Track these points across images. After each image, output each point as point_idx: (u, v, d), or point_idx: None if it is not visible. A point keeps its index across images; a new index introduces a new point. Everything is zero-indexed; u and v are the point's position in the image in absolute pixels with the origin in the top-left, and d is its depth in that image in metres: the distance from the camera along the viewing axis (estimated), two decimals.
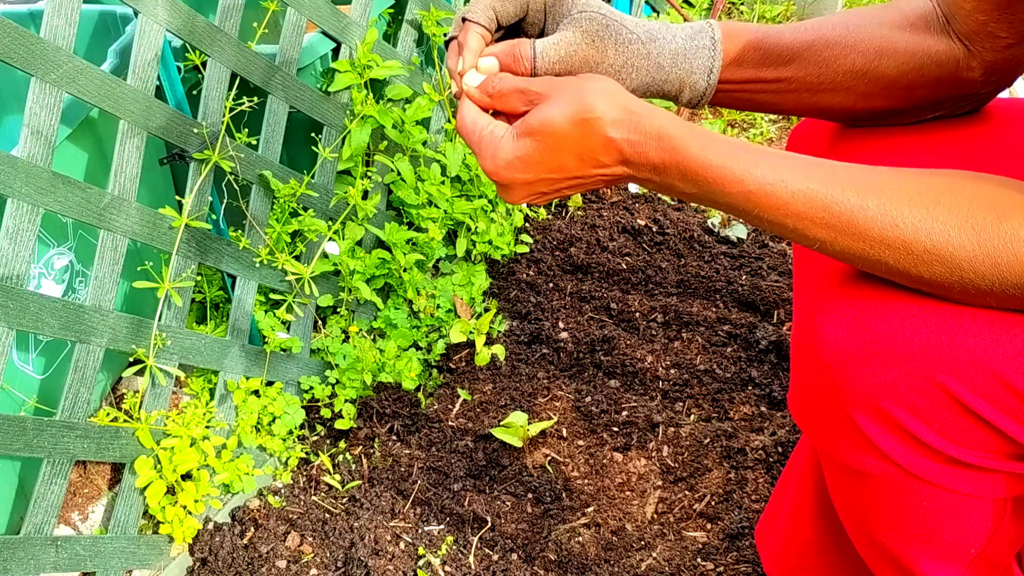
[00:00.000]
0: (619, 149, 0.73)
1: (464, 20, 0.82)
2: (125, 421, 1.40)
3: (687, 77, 0.85)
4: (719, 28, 0.86)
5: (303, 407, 1.67)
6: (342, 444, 1.65)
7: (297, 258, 1.66)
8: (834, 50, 0.86)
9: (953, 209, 0.67)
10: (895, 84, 0.86)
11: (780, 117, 2.66)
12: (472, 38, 0.81)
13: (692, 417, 1.65)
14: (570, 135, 0.72)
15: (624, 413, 1.65)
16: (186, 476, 1.46)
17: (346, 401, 1.69)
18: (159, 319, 1.41)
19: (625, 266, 2.00)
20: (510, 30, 0.88)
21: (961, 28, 0.84)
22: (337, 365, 1.72)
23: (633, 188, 2.28)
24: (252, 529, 1.50)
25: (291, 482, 1.59)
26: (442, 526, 1.49)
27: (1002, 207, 0.67)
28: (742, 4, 3.19)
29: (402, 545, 1.46)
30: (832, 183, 0.70)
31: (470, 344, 1.81)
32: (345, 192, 1.71)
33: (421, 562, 1.43)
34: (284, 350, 1.66)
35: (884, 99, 0.87)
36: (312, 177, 1.65)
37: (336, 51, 1.70)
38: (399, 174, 1.83)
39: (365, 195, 1.77)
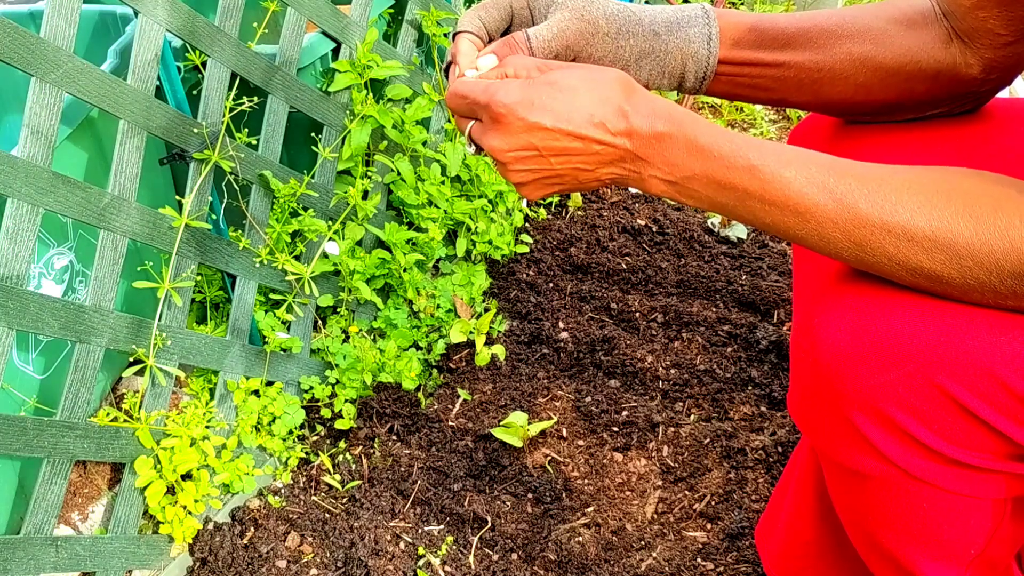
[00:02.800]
0: (628, 119, 0.73)
1: (455, 35, 0.83)
2: (125, 421, 1.40)
3: (686, 47, 0.86)
4: (711, 8, 0.87)
5: (303, 407, 1.67)
6: (342, 444, 1.65)
7: (297, 258, 1.66)
8: (830, 38, 0.86)
9: (951, 198, 0.68)
10: (894, 75, 0.86)
11: (780, 117, 2.66)
12: (464, 44, 0.82)
13: (692, 417, 1.65)
14: (588, 95, 0.73)
15: (624, 413, 1.65)
16: (186, 476, 1.46)
17: (346, 401, 1.69)
18: (159, 319, 1.41)
19: (625, 266, 2.00)
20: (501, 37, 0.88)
21: (960, 25, 0.84)
22: (337, 365, 1.72)
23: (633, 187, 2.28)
24: (252, 529, 1.50)
25: (291, 482, 1.59)
26: (442, 526, 1.50)
27: (997, 199, 0.67)
28: (742, 4, 3.19)
29: (402, 545, 1.46)
30: (832, 168, 0.71)
31: (470, 344, 1.81)
32: (345, 192, 1.71)
33: (421, 562, 1.43)
34: (284, 350, 1.66)
35: (883, 91, 0.87)
36: (312, 177, 1.65)
37: (336, 51, 1.70)
38: (399, 174, 1.83)
39: (365, 195, 1.77)
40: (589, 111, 0.73)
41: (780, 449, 1.53)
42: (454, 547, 1.45)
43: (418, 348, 1.82)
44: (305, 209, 1.65)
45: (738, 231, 2.12)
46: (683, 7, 0.87)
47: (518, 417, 1.59)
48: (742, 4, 3.19)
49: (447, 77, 0.83)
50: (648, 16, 0.86)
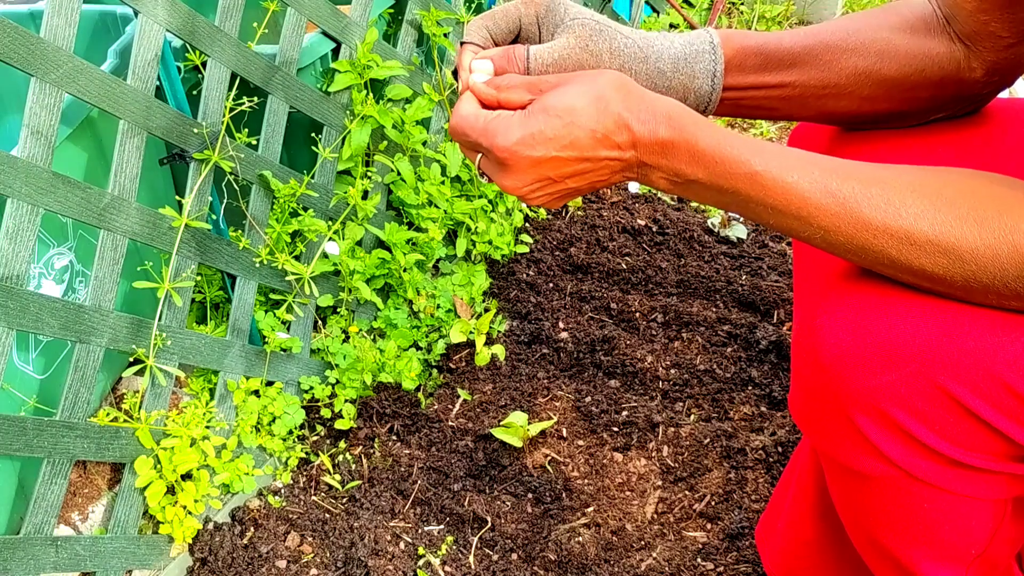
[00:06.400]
0: (631, 128, 0.73)
1: (461, 45, 0.83)
2: (125, 421, 1.40)
3: (690, 83, 0.85)
4: (717, 34, 0.86)
5: (303, 407, 1.67)
6: (342, 444, 1.65)
7: (297, 258, 1.66)
8: (834, 53, 0.86)
9: (954, 202, 0.68)
10: (898, 86, 0.86)
11: None
12: (466, 57, 0.82)
13: (692, 417, 1.65)
14: (585, 111, 0.73)
15: (624, 413, 1.65)
16: (186, 476, 1.46)
17: (346, 401, 1.69)
18: (159, 319, 1.41)
19: (625, 266, 2.00)
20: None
21: (962, 28, 0.84)
22: (337, 365, 1.72)
23: (633, 188, 2.28)
24: (252, 529, 1.50)
25: (291, 482, 1.59)
26: (442, 526, 1.50)
27: (1002, 201, 0.67)
28: (742, 4, 3.19)
29: (402, 545, 1.46)
30: (836, 172, 0.71)
31: (470, 344, 1.81)
32: (345, 192, 1.71)
33: (421, 562, 1.43)
34: (284, 350, 1.66)
35: (888, 101, 0.87)
36: (312, 177, 1.65)
37: (336, 51, 1.70)
38: (399, 174, 1.83)
39: (365, 195, 1.77)
40: (590, 128, 0.73)
41: (780, 449, 1.53)
42: (454, 547, 1.45)
43: (418, 348, 1.82)
44: (305, 209, 1.65)
45: (738, 231, 2.12)
46: (688, 39, 0.86)
47: (518, 417, 1.59)
48: (742, 4, 3.19)
49: (457, 80, 0.83)
50: (655, 53, 0.84)
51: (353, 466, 1.62)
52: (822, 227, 0.71)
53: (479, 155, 0.78)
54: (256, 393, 1.62)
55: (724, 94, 0.87)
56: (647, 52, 0.84)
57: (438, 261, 1.96)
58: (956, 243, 0.67)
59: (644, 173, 0.75)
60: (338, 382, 1.71)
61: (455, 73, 0.83)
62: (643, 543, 1.44)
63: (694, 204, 2.24)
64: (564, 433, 1.63)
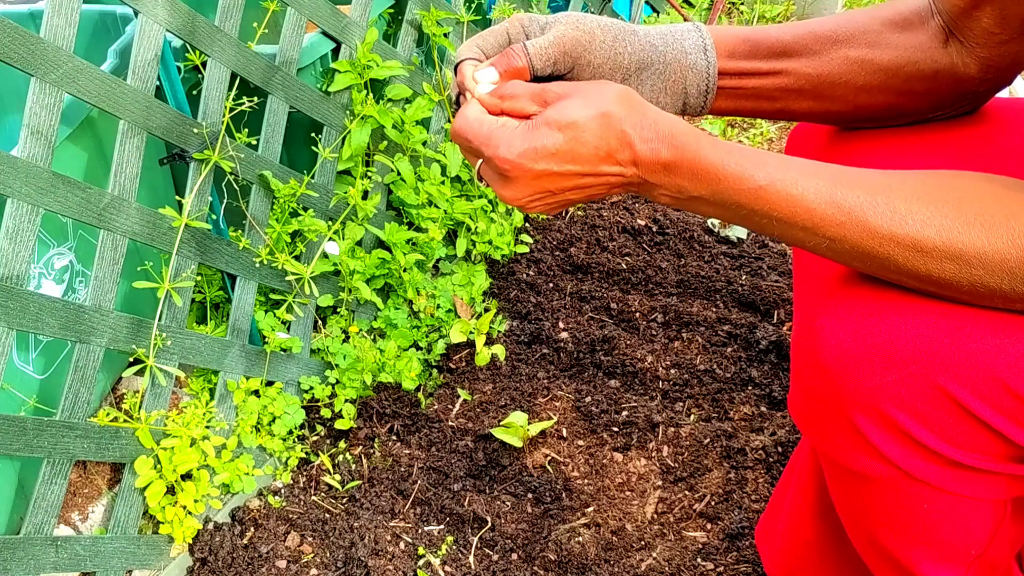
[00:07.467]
0: (633, 146, 0.73)
1: (456, 66, 0.83)
2: (125, 421, 1.40)
3: (684, 59, 0.86)
4: (701, 24, 0.88)
5: (303, 407, 1.67)
6: (342, 444, 1.65)
7: (297, 258, 1.66)
8: (824, 44, 0.86)
9: (961, 207, 0.68)
10: (892, 75, 0.86)
11: None
12: (467, 70, 0.82)
13: (692, 417, 1.65)
14: (589, 127, 0.72)
15: (624, 413, 1.65)
16: (186, 476, 1.46)
17: (346, 401, 1.69)
18: (159, 319, 1.41)
19: (625, 266, 2.00)
20: None
21: (955, 24, 0.84)
22: (337, 365, 1.72)
23: None
24: (252, 529, 1.50)
25: (291, 482, 1.59)
26: (442, 526, 1.50)
27: (1008, 204, 0.67)
28: (742, 4, 3.19)
29: (402, 545, 1.46)
30: (840, 181, 0.70)
31: (470, 344, 1.81)
32: (345, 192, 1.71)
33: (421, 562, 1.43)
34: (284, 350, 1.66)
35: (884, 93, 0.87)
36: (312, 177, 1.65)
37: (336, 51, 1.70)
38: (399, 174, 1.83)
39: (365, 195, 1.77)
40: (594, 145, 0.73)
41: (780, 449, 1.53)
42: (454, 547, 1.45)
43: (418, 348, 1.82)
44: (305, 209, 1.65)
45: (738, 231, 2.12)
46: (674, 24, 0.88)
47: (518, 417, 1.59)
48: (742, 4, 3.19)
49: (457, 106, 0.83)
50: (643, 29, 0.86)
51: (353, 466, 1.62)
52: (828, 237, 0.71)
53: (479, 160, 0.78)
54: (256, 393, 1.62)
55: (720, 81, 0.87)
56: (635, 28, 0.86)
57: (438, 261, 1.96)
58: (963, 248, 0.67)
59: (646, 189, 0.75)
60: (338, 382, 1.71)
61: (457, 100, 0.83)
62: (643, 543, 1.44)
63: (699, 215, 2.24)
64: (564, 433, 1.63)
